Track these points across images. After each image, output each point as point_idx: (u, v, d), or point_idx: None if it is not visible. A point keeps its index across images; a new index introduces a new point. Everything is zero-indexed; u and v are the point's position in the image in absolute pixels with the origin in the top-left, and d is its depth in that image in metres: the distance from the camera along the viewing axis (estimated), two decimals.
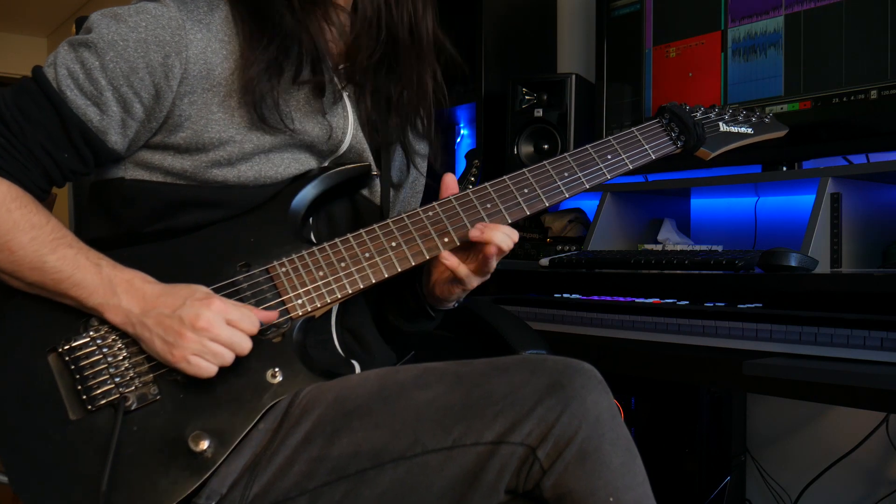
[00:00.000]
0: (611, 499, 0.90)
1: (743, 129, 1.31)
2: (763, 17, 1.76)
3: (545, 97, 2.13)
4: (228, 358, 1.00)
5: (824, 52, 1.66)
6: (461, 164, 2.78)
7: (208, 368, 0.99)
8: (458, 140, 2.85)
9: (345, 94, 1.18)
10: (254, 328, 1.01)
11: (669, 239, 1.87)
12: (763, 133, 1.33)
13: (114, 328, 1.02)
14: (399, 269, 1.10)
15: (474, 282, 1.14)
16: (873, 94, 1.58)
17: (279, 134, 1.10)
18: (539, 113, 2.11)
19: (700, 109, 1.30)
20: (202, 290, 1.02)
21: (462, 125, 2.82)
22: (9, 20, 5.93)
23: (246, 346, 1.01)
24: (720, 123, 1.29)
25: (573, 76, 2.09)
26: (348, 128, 1.17)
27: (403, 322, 1.26)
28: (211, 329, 0.98)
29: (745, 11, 1.79)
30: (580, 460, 0.91)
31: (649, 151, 1.21)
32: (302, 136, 1.12)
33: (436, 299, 1.21)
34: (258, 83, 1.06)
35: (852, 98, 1.61)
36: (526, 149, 2.14)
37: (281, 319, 1.06)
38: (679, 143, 1.23)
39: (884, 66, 1.56)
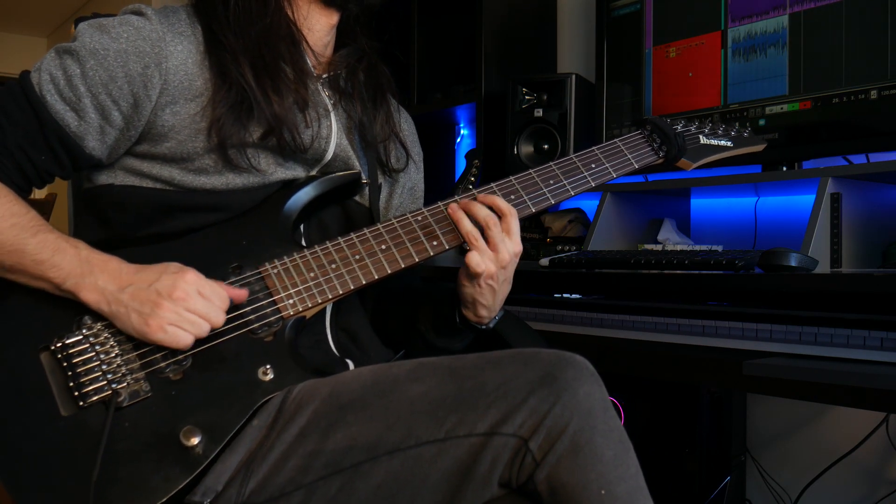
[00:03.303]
0: (603, 491, 0.90)
1: (723, 142, 1.36)
2: (763, 17, 1.76)
3: (545, 97, 2.13)
4: (204, 328, 1.02)
5: (824, 52, 1.66)
6: (461, 164, 2.78)
7: (185, 337, 1.01)
8: (458, 140, 2.85)
9: (329, 103, 1.21)
10: (225, 303, 1.04)
11: (669, 239, 1.87)
12: (742, 146, 1.38)
13: (107, 326, 1.04)
14: (389, 271, 1.12)
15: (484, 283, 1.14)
16: (873, 94, 1.58)
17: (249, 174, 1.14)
18: (539, 113, 2.11)
19: (681, 123, 1.35)
20: (175, 264, 1.04)
21: (462, 125, 2.82)
22: (9, 20, 5.92)
23: (220, 318, 1.03)
24: (700, 136, 1.34)
25: (573, 76, 2.09)
26: (332, 136, 1.19)
27: (433, 334, 1.26)
28: (187, 299, 1.01)
29: (745, 11, 1.79)
30: (572, 452, 0.91)
31: (632, 161, 1.25)
32: (270, 176, 1.15)
33: (467, 307, 1.20)
34: (224, 125, 1.10)
35: (852, 98, 1.61)
36: (526, 149, 2.13)
37: (272, 318, 1.07)
38: (661, 153, 1.27)
39: (884, 66, 1.56)
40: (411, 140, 1.39)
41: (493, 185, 1.18)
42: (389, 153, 1.30)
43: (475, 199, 1.15)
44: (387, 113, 1.29)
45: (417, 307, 1.28)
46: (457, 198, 1.16)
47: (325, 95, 1.22)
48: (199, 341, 1.04)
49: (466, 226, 1.12)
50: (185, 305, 1.01)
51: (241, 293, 1.06)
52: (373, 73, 1.28)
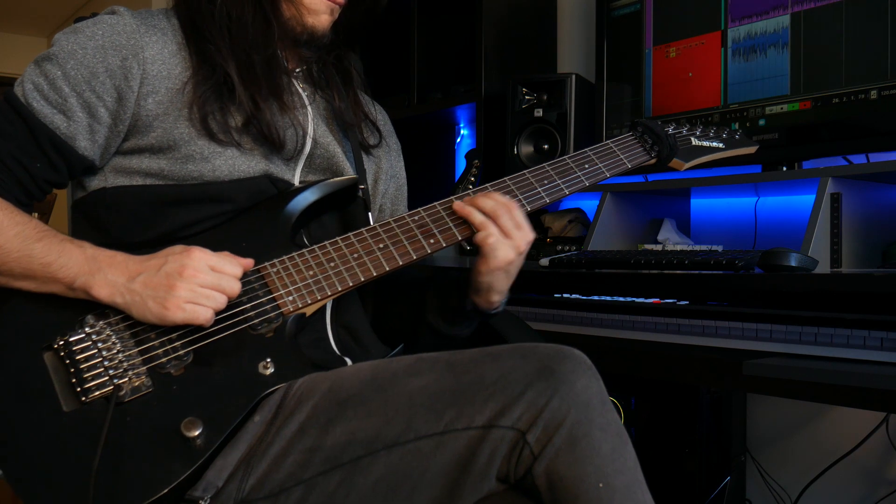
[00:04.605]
0: (601, 484, 0.90)
1: (714, 144, 1.38)
2: (763, 17, 1.76)
3: (545, 97, 2.13)
4: (221, 300, 1.04)
5: (824, 52, 1.66)
6: (461, 164, 2.78)
7: (204, 313, 1.03)
8: (458, 140, 2.85)
9: (304, 95, 1.24)
10: (237, 271, 1.06)
11: (669, 239, 1.87)
12: (733, 148, 1.41)
13: (109, 324, 1.04)
14: (387, 269, 1.14)
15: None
16: (873, 94, 1.58)
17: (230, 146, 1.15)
18: (539, 113, 2.11)
19: (672, 125, 1.38)
20: (178, 245, 1.06)
21: (462, 125, 2.82)
22: (9, 20, 5.92)
23: (235, 287, 1.05)
24: (692, 138, 1.37)
25: (573, 76, 2.09)
26: (309, 128, 1.22)
27: (443, 323, 1.27)
28: (197, 275, 1.03)
29: (745, 11, 1.79)
30: (570, 445, 0.92)
31: (625, 161, 1.28)
32: (255, 165, 1.16)
33: (480, 294, 1.21)
34: (206, 101, 1.12)
35: (852, 98, 1.61)
36: (526, 149, 2.14)
37: (272, 314, 1.08)
38: (653, 154, 1.30)
39: (884, 66, 1.56)
40: (387, 129, 1.42)
41: (487, 185, 1.21)
42: (365, 135, 1.33)
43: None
44: (355, 98, 1.32)
45: (424, 298, 1.30)
46: (453, 198, 1.18)
47: (299, 88, 1.25)
48: (199, 337, 1.05)
49: (478, 217, 1.14)
50: (198, 281, 1.02)
51: (248, 261, 1.09)
52: (341, 62, 1.32)
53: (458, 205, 1.15)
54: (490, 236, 1.13)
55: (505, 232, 1.14)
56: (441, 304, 1.27)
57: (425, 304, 1.29)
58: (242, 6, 1.16)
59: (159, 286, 1.02)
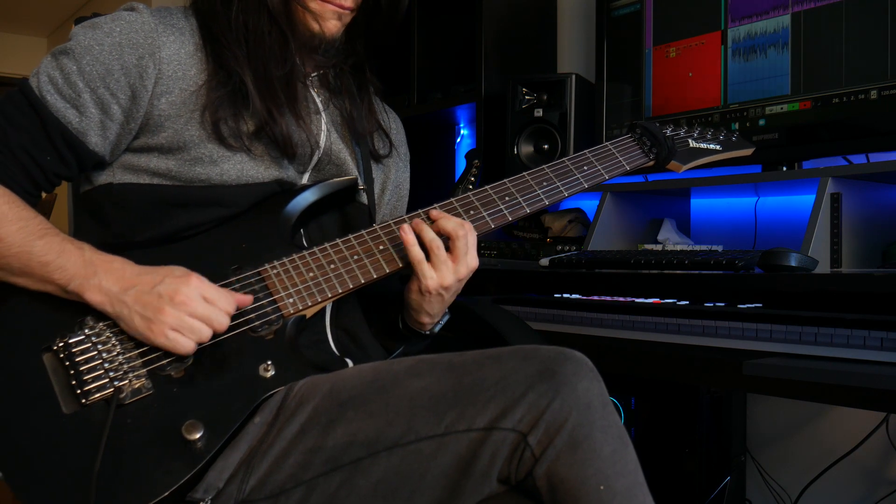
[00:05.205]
0: (602, 487, 0.90)
1: (711, 146, 1.39)
2: (763, 17, 1.76)
3: (545, 97, 2.13)
4: (206, 334, 1.02)
5: (824, 52, 1.66)
6: (461, 164, 2.78)
7: (186, 344, 1.01)
8: (458, 140, 2.85)
9: (318, 101, 1.24)
10: (230, 307, 1.04)
11: (669, 239, 1.87)
12: (730, 150, 1.42)
13: (109, 326, 1.04)
14: (387, 270, 1.13)
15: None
16: (873, 94, 1.58)
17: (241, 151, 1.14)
18: (539, 113, 2.11)
19: (670, 127, 1.38)
20: (180, 268, 1.05)
21: (462, 125, 2.82)
22: (9, 20, 5.92)
23: (223, 322, 1.03)
24: (689, 140, 1.37)
25: (573, 76, 2.09)
26: (322, 134, 1.21)
27: (386, 339, 1.27)
28: (188, 304, 1.01)
29: (745, 11, 1.79)
30: (571, 447, 0.92)
31: (623, 163, 1.28)
32: (264, 171, 1.16)
33: (412, 317, 1.21)
34: (219, 107, 1.12)
35: (852, 98, 1.61)
36: (526, 149, 2.14)
37: (273, 317, 1.08)
38: (651, 155, 1.31)
39: (884, 66, 1.56)
40: (399, 138, 1.41)
41: (487, 187, 1.21)
42: (376, 142, 1.33)
43: (428, 217, 1.15)
44: (369, 107, 1.32)
45: (373, 311, 1.28)
46: (453, 199, 1.19)
47: (314, 94, 1.24)
48: None
49: (416, 252, 1.11)
50: (188, 310, 1.01)
51: (247, 298, 1.06)
52: (359, 70, 1.32)
53: (404, 229, 1.12)
54: (430, 259, 1.11)
55: (455, 256, 1.12)
56: (380, 319, 1.26)
57: (373, 316, 1.27)
58: (258, 17, 1.15)
59: (148, 305, 1.01)
